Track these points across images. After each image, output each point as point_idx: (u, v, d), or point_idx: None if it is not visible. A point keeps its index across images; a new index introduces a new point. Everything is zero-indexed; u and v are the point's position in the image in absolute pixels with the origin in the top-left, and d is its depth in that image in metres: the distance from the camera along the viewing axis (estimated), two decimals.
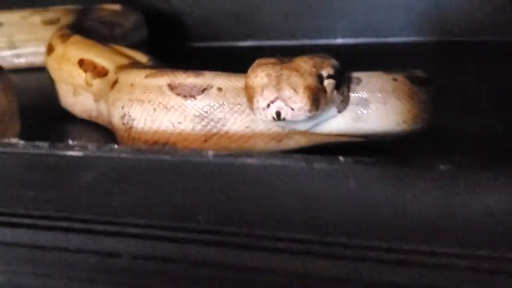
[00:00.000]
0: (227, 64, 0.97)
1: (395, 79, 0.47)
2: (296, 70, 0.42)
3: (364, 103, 0.46)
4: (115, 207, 0.43)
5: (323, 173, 0.38)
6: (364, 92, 0.46)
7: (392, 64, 0.91)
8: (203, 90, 0.49)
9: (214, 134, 0.49)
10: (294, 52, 1.02)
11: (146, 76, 0.50)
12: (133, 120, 0.50)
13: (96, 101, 0.61)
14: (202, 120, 0.49)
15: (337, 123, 0.47)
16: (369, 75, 0.47)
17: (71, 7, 0.93)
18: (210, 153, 0.40)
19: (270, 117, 0.41)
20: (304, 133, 0.49)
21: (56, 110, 0.68)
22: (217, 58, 1.00)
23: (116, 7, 0.89)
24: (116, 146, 0.42)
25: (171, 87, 0.49)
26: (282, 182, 0.39)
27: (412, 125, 0.48)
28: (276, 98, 0.41)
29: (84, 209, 0.44)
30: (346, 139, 0.49)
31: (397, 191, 0.37)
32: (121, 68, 0.57)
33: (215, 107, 0.49)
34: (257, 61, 0.44)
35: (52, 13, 0.93)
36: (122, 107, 0.51)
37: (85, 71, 0.62)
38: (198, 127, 0.49)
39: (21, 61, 0.91)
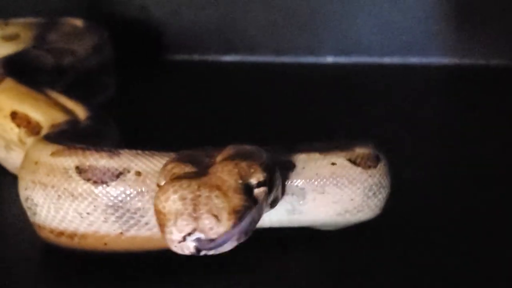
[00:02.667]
0: (207, 80, 0.89)
1: (333, 163, 0.41)
2: (218, 188, 0.33)
3: (300, 193, 0.41)
4: None
5: None
6: (299, 180, 0.41)
7: (386, 88, 0.83)
8: (118, 175, 0.41)
9: (131, 226, 0.41)
10: (279, 70, 0.91)
11: (52, 154, 0.42)
12: (36, 205, 0.42)
13: None
14: (116, 211, 0.41)
15: (269, 216, 0.40)
16: (304, 160, 0.41)
17: (33, 20, 0.85)
18: None
19: (188, 252, 0.32)
20: None
21: None
22: (196, 73, 0.93)
23: (78, 22, 0.80)
24: None
25: (79, 170, 0.41)
26: None
27: (357, 215, 0.42)
28: (194, 230, 0.32)
29: None
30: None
31: None
32: (54, 126, 0.49)
33: (132, 196, 0.41)
34: (168, 166, 0.35)
35: (12, 28, 0.84)
36: (26, 189, 0.43)
37: (19, 126, 0.53)
38: (112, 218, 0.41)
39: None
